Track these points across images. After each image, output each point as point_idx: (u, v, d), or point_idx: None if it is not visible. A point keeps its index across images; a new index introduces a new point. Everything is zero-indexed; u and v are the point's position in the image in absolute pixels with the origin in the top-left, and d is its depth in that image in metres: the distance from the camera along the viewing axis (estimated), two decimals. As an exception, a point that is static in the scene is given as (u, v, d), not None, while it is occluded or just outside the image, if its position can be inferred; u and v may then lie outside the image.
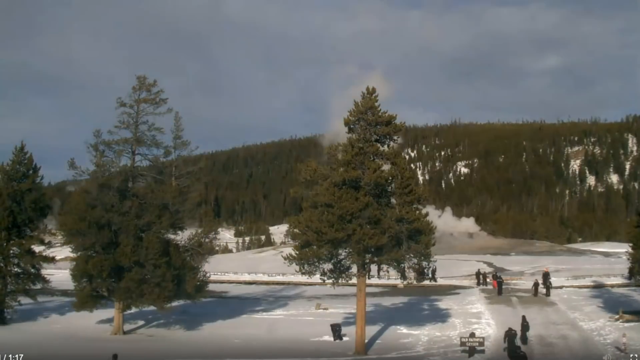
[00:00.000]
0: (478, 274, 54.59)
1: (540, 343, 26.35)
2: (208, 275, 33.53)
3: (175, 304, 32.66)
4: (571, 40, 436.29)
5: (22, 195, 33.70)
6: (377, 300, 43.74)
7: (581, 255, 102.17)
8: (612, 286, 52.00)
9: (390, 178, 25.17)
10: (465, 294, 49.45)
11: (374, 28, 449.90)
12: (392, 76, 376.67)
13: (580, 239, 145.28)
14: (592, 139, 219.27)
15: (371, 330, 29.17)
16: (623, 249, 42.81)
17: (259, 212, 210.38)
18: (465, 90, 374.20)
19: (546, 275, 47.48)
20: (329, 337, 28.44)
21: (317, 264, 25.78)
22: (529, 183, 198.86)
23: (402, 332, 29.95)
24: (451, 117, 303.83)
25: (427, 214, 26.23)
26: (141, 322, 34.17)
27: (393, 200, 25.71)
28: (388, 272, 49.65)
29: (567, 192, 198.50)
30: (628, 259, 33.44)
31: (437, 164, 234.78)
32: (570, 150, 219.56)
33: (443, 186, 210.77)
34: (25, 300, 34.27)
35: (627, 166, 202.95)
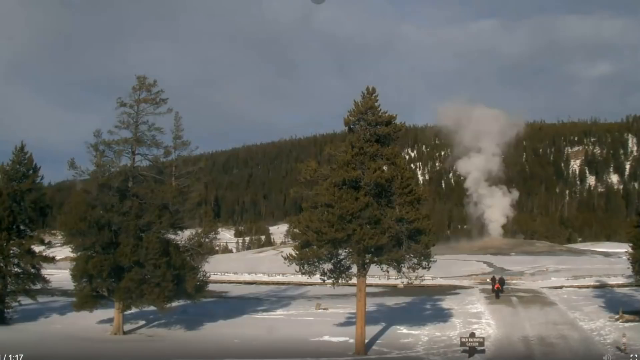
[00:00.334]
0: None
1: (540, 343, 26.33)
2: (208, 275, 33.50)
3: (175, 304, 32.67)
4: (624, 47, 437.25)
5: (22, 195, 33.71)
6: (380, 300, 43.86)
7: (581, 255, 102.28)
8: (613, 286, 52.09)
9: (390, 178, 25.15)
10: (465, 294, 49.51)
11: (451, 38, 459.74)
12: (452, 80, 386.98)
13: (580, 239, 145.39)
14: (592, 139, 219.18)
15: (373, 330, 29.19)
16: (623, 249, 42.78)
17: (259, 212, 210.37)
18: (516, 95, 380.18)
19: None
20: (329, 337, 28.46)
21: (317, 264, 25.76)
22: (529, 183, 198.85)
23: (402, 332, 29.96)
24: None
25: (427, 214, 26.24)
26: (142, 322, 34.17)
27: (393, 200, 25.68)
28: (388, 272, 49.53)
29: (567, 192, 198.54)
30: (628, 259, 33.45)
31: (437, 164, 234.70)
32: (570, 150, 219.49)
33: (443, 186, 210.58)
34: (25, 300, 34.29)
35: (627, 166, 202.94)
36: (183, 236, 32.51)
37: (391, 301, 44.04)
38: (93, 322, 32.84)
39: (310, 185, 26.33)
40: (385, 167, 25.54)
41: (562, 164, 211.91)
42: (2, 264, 33.02)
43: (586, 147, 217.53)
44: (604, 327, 29.90)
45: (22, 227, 34.26)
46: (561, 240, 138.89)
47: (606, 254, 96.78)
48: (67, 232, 31.04)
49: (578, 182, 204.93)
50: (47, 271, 36.13)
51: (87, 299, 30.66)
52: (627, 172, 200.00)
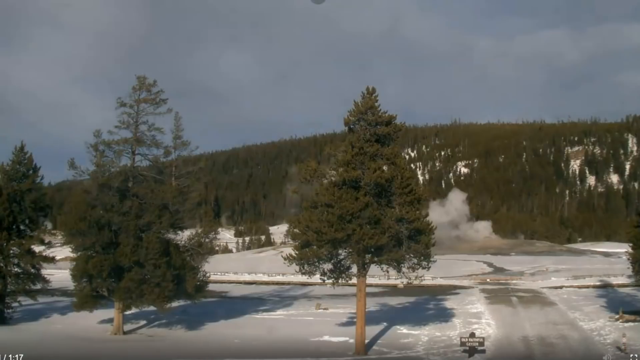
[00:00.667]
0: None
1: (540, 343, 26.32)
2: (208, 275, 33.49)
3: (176, 304, 32.67)
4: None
5: (22, 195, 33.69)
6: (383, 300, 43.91)
7: (581, 255, 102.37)
8: (614, 286, 52.09)
9: (390, 178, 25.14)
10: (465, 294, 49.52)
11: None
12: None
13: (580, 239, 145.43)
14: (592, 139, 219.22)
15: (374, 330, 29.21)
16: (623, 249, 42.81)
17: (259, 212, 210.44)
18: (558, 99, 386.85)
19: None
20: (329, 337, 28.45)
21: (317, 264, 25.75)
22: (529, 183, 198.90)
23: (403, 332, 29.94)
24: (451, 117, 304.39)
25: (427, 214, 26.21)
26: (143, 322, 34.17)
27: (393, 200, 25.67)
28: (388, 272, 49.57)
29: (567, 192, 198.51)
30: (628, 259, 33.46)
31: (437, 164, 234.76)
32: (570, 150, 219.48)
33: (443, 186, 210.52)
34: (25, 300, 34.29)
35: (627, 166, 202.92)
36: (183, 236, 32.49)
37: (394, 301, 44.08)
38: (93, 322, 32.84)
39: (310, 185, 26.32)
40: (385, 167, 25.53)
41: (562, 164, 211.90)
42: (2, 264, 33.01)
43: (586, 147, 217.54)
44: (604, 327, 29.90)
45: (22, 227, 34.25)
46: (561, 240, 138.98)
47: (606, 254, 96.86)
48: (67, 232, 31.04)
49: (578, 182, 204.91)
50: (47, 271, 36.12)
51: (87, 299, 30.65)
52: (627, 172, 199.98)
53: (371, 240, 24.11)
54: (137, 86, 31.02)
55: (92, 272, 29.46)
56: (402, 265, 25.66)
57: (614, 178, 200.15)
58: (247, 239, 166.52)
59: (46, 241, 35.00)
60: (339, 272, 26.18)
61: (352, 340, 26.24)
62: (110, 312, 31.54)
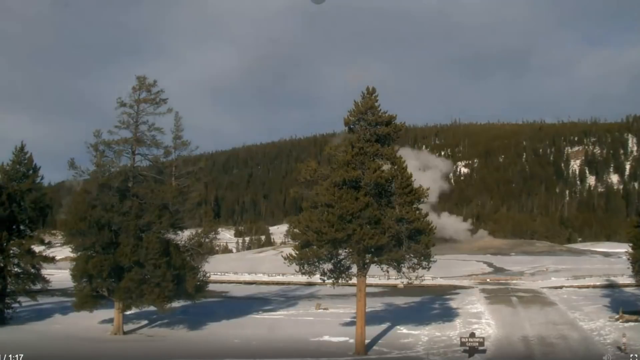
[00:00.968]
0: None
1: (540, 343, 26.32)
2: (208, 275, 33.51)
3: (176, 304, 32.66)
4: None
5: (22, 195, 33.69)
6: (388, 300, 43.97)
7: (581, 255, 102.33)
8: (620, 286, 52.02)
9: (390, 178, 25.14)
10: (466, 294, 49.51)
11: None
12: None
13: (580, 239, 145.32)
14: (592, 139, 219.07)
15: (375, 330, 29.23)
16: (623, 249, 42.82)
17: (259, 212, 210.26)
18: None
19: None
20: (329, 337, 28.45)
21: (317, 264, 25.77)
22: (529, 183, 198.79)
23: (403, 332, 29.94)
24: (451, 116, 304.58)
25: (427, 214, 26.20)
26: (144, 322, 34.18)
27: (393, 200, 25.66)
28: (388, 272, 49.59)
29: (567, 192, 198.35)
30: (628, 259, 33.46)
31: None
32: (570, 150, 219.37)
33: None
34: (25, 300, 34.27)
35: (627, 166, 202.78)
36: (183, 236, 32.51)
37: (400, 301, 44.09)
38: (94, 322, 32.84)
39: (310, 185, 26.32)
40: (385, 167, 25.53)
41: (562, 164, 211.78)
42: (2, 264, 33.02)
43: (586, 147, 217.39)
44: (604, 327, 29.90)
45: (22, 227, 34.25)
46: (561, 240, 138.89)
47: (606, 254, 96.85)
48: (67, 232, 31.03)
49: (578, 182, 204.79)
50: (47, 271, 36.11)
51: (87, 299, 30.66)
52: (627, 172, 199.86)
53: (371, 240, 24.12)
54: (137, 86, 31.03)
55: (92, 272, 29.47)
56: (402, 265, 25.67)
57: (614, 178, 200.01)
58: (247, 239, 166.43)
59: (46, 241, 35.02)
60: (339, 272, 26.19)
61: (352, 340, 26.26)
62: (111, 312, 31.54)
